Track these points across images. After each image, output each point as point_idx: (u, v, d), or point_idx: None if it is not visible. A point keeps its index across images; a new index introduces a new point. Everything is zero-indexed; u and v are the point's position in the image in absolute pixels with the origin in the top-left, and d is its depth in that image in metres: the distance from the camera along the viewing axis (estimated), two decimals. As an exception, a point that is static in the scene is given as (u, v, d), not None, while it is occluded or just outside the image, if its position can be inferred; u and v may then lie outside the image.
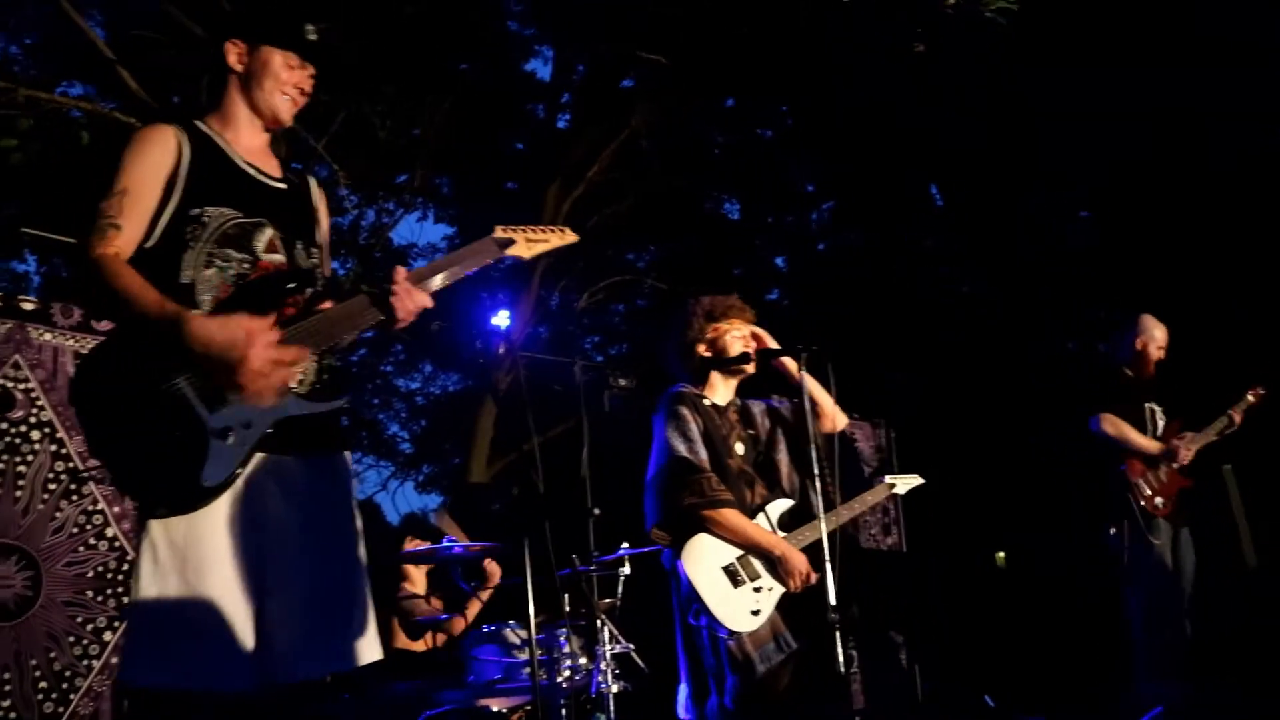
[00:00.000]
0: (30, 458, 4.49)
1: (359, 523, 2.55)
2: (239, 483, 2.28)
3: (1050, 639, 8.24)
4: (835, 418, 3.97)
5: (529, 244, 2.76)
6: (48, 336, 4.64)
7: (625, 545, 5.55)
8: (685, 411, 3.85)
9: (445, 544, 5.03)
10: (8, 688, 4.23)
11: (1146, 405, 5.54)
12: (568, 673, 4.99)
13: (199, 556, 2.23)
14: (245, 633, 2.25)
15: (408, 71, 9.05)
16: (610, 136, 11.40)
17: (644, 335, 16.04)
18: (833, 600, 3.35)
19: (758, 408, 4.10)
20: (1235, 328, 10.08)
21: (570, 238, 2.88)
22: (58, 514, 4.53)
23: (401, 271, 2.47)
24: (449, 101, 9.66)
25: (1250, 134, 10.51)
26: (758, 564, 3.68)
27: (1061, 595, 8.87)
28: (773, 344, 4.02)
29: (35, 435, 4.53)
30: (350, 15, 8.02)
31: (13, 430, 4.48)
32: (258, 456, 2.32)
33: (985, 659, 8.36)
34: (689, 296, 4.15)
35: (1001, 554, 13.67)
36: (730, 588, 3.61)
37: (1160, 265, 11.28)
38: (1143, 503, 5.29)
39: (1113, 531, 5.41)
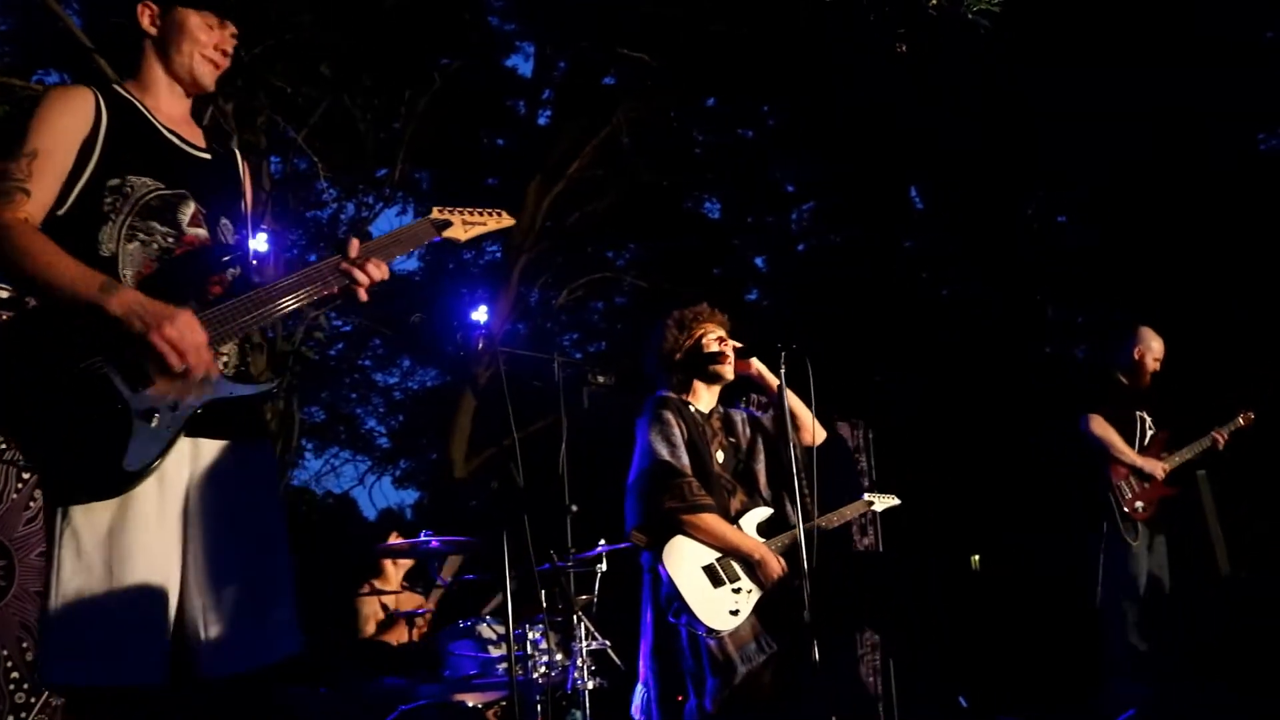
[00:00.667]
0: (2, 446, 4.44)
1: (282, 513, 2.46)
2: (165, 467, 2.16)
3: (1027, 640, 8.29)
4: (815, 431, 4.01)
5: (465, 226, 2.72)
6: (23, 325, 4.60)
7: (602, 542, 5.55)
8: (669, 416, 3.88)
9: (422, 538, 5.03)
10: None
11: (1138, 413, 5.61)
12: (543, 668, 4.99)
13: (123, 546, 2.12)
14: (167, 627, 2.16)
15: (388, 64, 9.02)
16: (591, 134, 11.40)
17: (623, 332, 16.06)
18: (807, 604, 3.39)
19: (739, 416, 4.15)
20: (1231, 335, 10.17)
21: (507, 221, 2.84)
22: (31, 504, 4.47)
23: (356, 244, 2.38)
24: (429, 96, 9.62)
25: (1249, 135, 10.61)
26: (738, 565, 3.71)
27: (1039, 596, 8.92)
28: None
29: None
30: (331, 7, 7.98)
31: (-14, 419, 4.43)
32: (183, 440, 2.20)
33: (962, 660, 8.41)
34: (662, 317, 4.19)
35: (976, 556, 13.74)
36: (710, 587, 3.63)
37: (1157, 269, 11.37)
38: (1124, 506, 5.35)
39: (1090, 529, 5.47)
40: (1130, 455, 5.42)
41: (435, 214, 2.68)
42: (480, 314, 6.86)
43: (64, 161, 2.21)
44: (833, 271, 16.03)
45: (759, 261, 18.71)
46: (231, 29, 2.46)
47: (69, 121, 2.23)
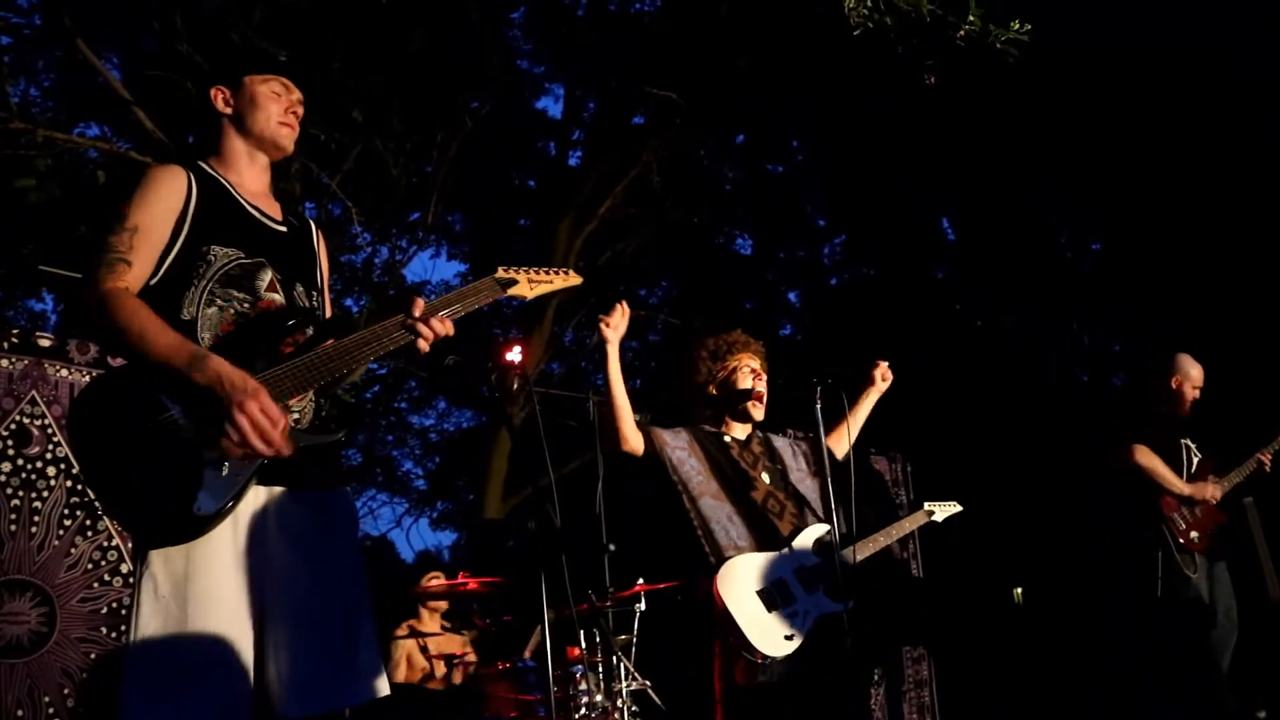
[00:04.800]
0: (46, 494, 4.49)
1: (360, 559, 2.52)
2: (238, 516, 2.26)
3: (1070, 672, 8.14)
4: (838, 447, 3.99)
5: (531, 285, 2.81)
6: (64, 373, 4.65)
7: (641, 581, 5.51)
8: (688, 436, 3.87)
9: (460, 581, 5.01)
10: (21, 726, 4.21)
11: (1181, 441, 5.51)
12: (584, 710, 4.95)
13: (200, 590, 2.20)
14: (247, 670, 2.22)
15: (419, 108, 9.12)
16: (621, 172, 11.46)
17: (657, 370, 16.04)
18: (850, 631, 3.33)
19: (779, 441, 4.10)
20: (1272, 356, 10.01)
21: (574, 280, 2.92)
22: (73, 550, 4.52)
23: (421, 303, 2.48)
24: (460, 138, 9.71)
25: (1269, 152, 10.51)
26: (794, 587, 3.63)
27: (1081, 627, 8.77)
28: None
29: (51, 471, 4.53)
30: (361, 52, 8.10)
31: (29, 466, 4.48)
32: (256, 490, 2.30)
33: (1001, 689, 8.27)
34: (693, 337, 4.16)
35: (1019, 590, 13.54)
36: (764, 611, 3.55)
37: (1192, 291, 11.24)
38: (1179, 538, 5.24)
39: (1144, 561, 5.36)
40: (1179, 484, 5.31)
41: (500, 273, 2.77)
42: (514, 354, 6.88)
43: (161, 236, 2.37)
44: (866, 304, 15.97)
45: (792, 296, 18.73)
46: (297, 94, 2.64)
47: (166, 199, 2.40)
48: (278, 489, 2.37)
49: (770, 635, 3.50)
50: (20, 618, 4.32)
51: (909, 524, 4.24)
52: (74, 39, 7.27)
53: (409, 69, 8.98)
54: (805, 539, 3.75)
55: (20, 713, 4.22)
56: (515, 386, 6.59)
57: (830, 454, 3.74)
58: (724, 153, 14.33)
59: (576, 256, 11.55)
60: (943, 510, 4.44)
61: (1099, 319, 13.66)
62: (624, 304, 3.80)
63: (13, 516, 4.37)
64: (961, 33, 4.71)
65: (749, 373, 3.99)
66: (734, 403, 3.96)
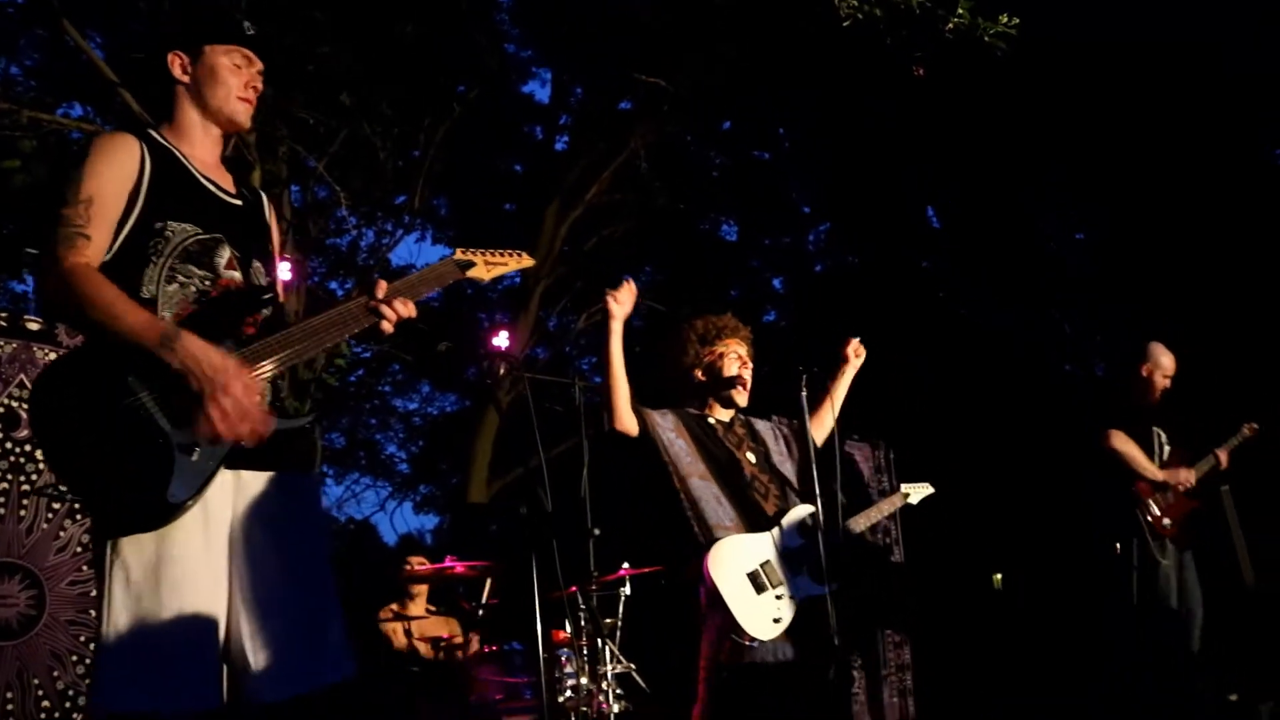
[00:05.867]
0: (35, 477, 4.50)
1: (327, 540, 2.54)
2: (208, 500, 2.24)
3: (1044, 656, 8.24)
4: (818, 434, 4.02)
5: (488, 266, 2.84)
6: (53, 356, 4.64)
7: (626, 565, 5.56)
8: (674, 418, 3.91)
9: (446, 564, 5.05)
10: (10, 707, 4.21)
11: (1154, 429, 5.58)
12: (570, 692, 5.01)
13: (172, 576, 2.18)
14: (218, 653, 2.23)
15: (407, 92, 9.10)
16: (608, 158, 11.46)
17: (641, 356, 16.06)
18: (834, 614, 3.38)
19: (761, 424, 4.14)
20: (1247, 349, 10.11)
21: (527, 261, 2.97)
22: (61, 533, 4.53)
23: (384, 285, 2.47)
24: (448, 123, 9.70)
25: (1266, 146, 10.58)
26: (781, 569, 3.68)
27: (1061, 614, 8.87)
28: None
29: (40, 454, 4.53)
30: (348, 35, 8.07)
31: (17, 450, 4.48)
32: (224, 474, 2.27)
33: (980, 675, 8.37)
34: (683, 320, 4.18)
35: (998, 575, 13.66)
36: (754, 594, 3.59)
37: (1173, 283, 11.32)
38: (1153, 524, 5.32)
39: (1118, 548, 5.44)
40: (1153, 470, 5.39)
41: (459, 255, 2.79)
42: (501, 339, 6.91)
43: (116, 207, 2.29)
44: (850, 292, 16.03)
45: (777, 283, 18.76)
46: (259, 65, 2.55)
47: (119, 169, 2.32)
48: (245, 472, 2.36)
49: (759, 618, 3.54)
50: (9, 600, 4.33)
51: (887, 506, 4.33)
52: (59, 18, 7.21)
53: (398, 53, 8.95)
54: (790, 520, 3.78)
55: (10, 694, 4.23)
56: (502, 371, 6.62)
57: (812, 441, 3.78)
58: (711, 140, 14.33)
59: (562, 242, 11.56)
60: (917, 492, 4.53)
61: (1083, 308, 13.75)
62: (631, 282, 3.83)
63: (1, 500, 4.37)
64: (950, 26, 4.75)
65: (735, 359, 4.02)
66: (719, 388, 3.99)
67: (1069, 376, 13.15)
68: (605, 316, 3.81)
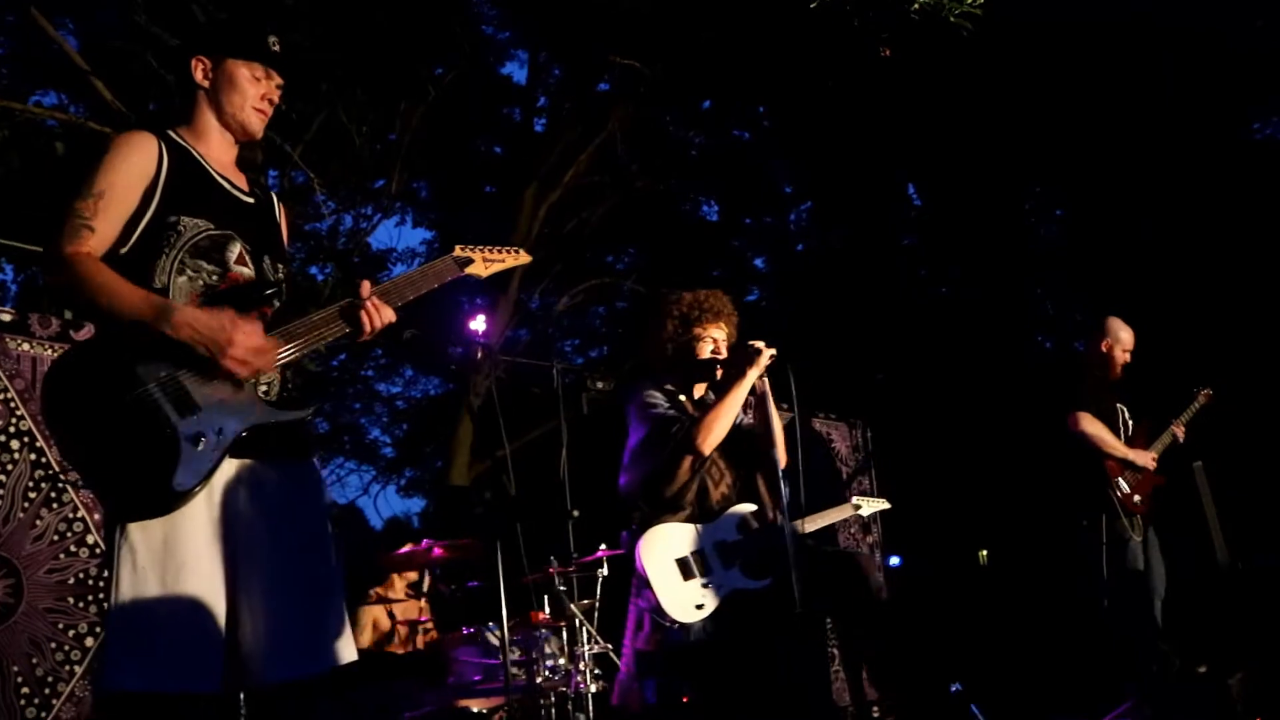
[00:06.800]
0: (10, 467, 4.51)
1: (330, 528, 2.59)
2: (213, 488, 2.32)
3: (1027, 635, 8.33)
4: (782, 455, 4.02)
5: (486, 263, 2.91)
6: (25, 347, 4.66)
7: (603, 547, 5.60)
8: (657, 394, 3.93)
9: (424, 546, 5.09)
10: (-13, 692, 4.26)
11: (1116, 405, 5.65)
12: (548, 673, 5.05)
13: (177, 561, 2.26)
14: (219, 635, 2.30)
15: (382, 77, 9.07)
16: (587, 140, 11.45)
17: (624, 337, 16.10)
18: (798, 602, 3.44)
19: None
20: (1205, 325, 10.20)
21: (524, 259, 3.04)
22: (38, 522, 4.55)
23: (368, 286, 2.53)
24: (424, 106, 9.67)
25: (1243, 122, 10.64)
26: (711, 560, 3.75)
27: (1039, 591, 8.96)
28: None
29: (14, 445, 4.55)
30: (322, 21, 8.05)
31: (-10, 440, 4.50)
32: (230, 462, 2.36)
33: (963, 657, 8.45)
34: (670, 292, 4.18)
35: (984, 552, 13.76)
36: (680, 579, 3.67)
37: (1134, 263, 11.40)
38: (1123, 501, 5.39)
39: (1085, 524, 5.51)
40: (1121, 449, 5.46)
41: (458, 252, 2.85)
42: (478, 323, 6.93)
43: (129, 202, 2.39)
44: (832, 271, 16.07)
45: (759, 262, 18.80)
46: (277, 80, 2.63)
47: (135, 166, 2.42)
48: (250, 461, 2.43)
49: (681, 602, 3.62)
50: (-16, 589, 4.36)
51: (834, 514, 4.40)
52: (28, 4, 7.17)
53: (373, 37, 8.93)
54: (730, 516, 3.85)
55: (-13, 680, 4.27)
56: (479, 355, 6.65)
57: (777, 429, 3.84)
58: (690, 120, 14.32)
59: (541, 224, 11.55)
60: (870, 505, 4.63)
61: (1063, 286, 13.83)
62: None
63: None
64: (916, 6, 4.77)
65: (710, 344, 4.04)
66: (689, 371, 4.03)
67: (1049, 354, 13.24)
68: (746, 360, 3.79)
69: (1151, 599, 5.45)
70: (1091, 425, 5.42)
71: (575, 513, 5.73)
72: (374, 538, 18.10)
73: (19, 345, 4.65)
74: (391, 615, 5.94)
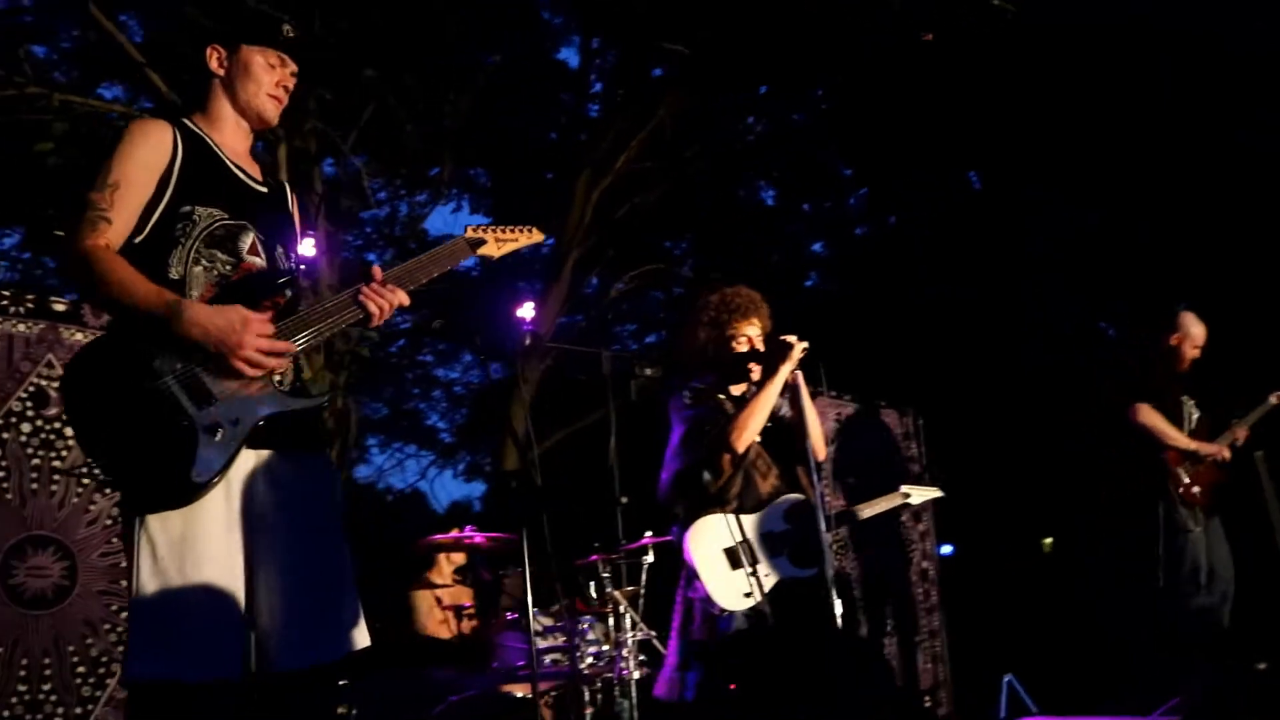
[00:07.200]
0: (65, 453, 4.63)
1: (341, 517, 2.62)
2: (230, 479, 2.36)
3: (1076, 624, 8.19)
4: (819, 447, 4.01)
5: (499, 244, 2.92)
6: (79, 336, 4.77)
7: (649, 534, 5.62)
8: (693, 393, 4.02)
9: (466, 533, 5.14)
10: (48, 672, 4.38)
11: (1181, 399, 5.54)
12: (591, 659, 5.08)
13: (196, 552, 2.30)
14: (239, 624, 2.34)
15: (431, 64, 9.12)
16: (638, 126, 11.42)
17: (679, 324, 16.04)
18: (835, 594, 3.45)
19: None
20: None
21: (537, 237, 3.04)
22: (91, 507, 4.67)
23: (378, 271, 2.55)
24: (474, 93, 9.70)
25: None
26: (759, 549, 3.77)
27: (1092, 581, 8.80)
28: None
29: (69, 431, 4.66)
30: (370, 10, 8.11)
31: (47, 427, 4.62)
32: (247, 453, 2.39)
33: (1019, 646, 8.34)
34: (699, 296, 4.23)
35: (1049, 540, 13.57)
36: (728, 568, 3.72)
37: (1203, 253, 11.13)
38: (1181, 490, 5.29)
39: (1142, 515, 5.42)
40: (1183, 440, 5.35)
41: (469, 233, 2.87)
42: (525, 310, 6.95)
43: (144, 192, 2.41)
44: (887, 258, 15.88)
45: (817, 246, 18.61)
46: (292, 67, 2.65)
47: (149, 155, 2.44)
48: (265, 452, 2.46)
49: (729, 590, 3.71)
50: (44, 572, 4.48)
51: (883, 503, 4.42)
52: (86, 2, 7.32)
53: (423, 23, 8.97)
54: (778, 506, 3.91)
55: (47, 660, 4.40)
56: (526, 342, 6.67)
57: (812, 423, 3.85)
58: (745, 104, 14.20)
59: (593, 210, 11.55)
60: (920, 494, 4.61)
61: (1126, 272, 13.50)
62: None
63: (34, 475, 4.52)
64: (958, -11, 4.68)
65: (744, 341, 4.07)
66: (727, 369, 4.06)
67: (1109, 340, 12.96)
68: (778, 356, 3.80)
69: (1211, 591, 5.35)
70: (1150, 416, 5.32)
71: (624, 499, 5.74)
72: (436, 522, 18.31)
73: (73, 335, 4.77)
74: (438, 600, 6.01)
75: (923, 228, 15.54)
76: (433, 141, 9.68)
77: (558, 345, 9.89)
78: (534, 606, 4.83)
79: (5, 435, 4.49)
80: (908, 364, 12.13)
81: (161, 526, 2.29)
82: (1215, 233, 10.98)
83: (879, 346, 12.69)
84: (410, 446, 17.84)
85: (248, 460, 2.42)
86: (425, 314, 12.36)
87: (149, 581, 2.28)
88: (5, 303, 4.62)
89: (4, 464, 4.46)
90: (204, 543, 2.31)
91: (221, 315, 2.30)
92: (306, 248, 5.97)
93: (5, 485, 4.46)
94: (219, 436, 2.29)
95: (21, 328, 4.64)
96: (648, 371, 7.48)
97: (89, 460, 2.43)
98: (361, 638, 2.55)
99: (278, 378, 2.47)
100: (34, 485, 4.53)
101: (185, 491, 2.27)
